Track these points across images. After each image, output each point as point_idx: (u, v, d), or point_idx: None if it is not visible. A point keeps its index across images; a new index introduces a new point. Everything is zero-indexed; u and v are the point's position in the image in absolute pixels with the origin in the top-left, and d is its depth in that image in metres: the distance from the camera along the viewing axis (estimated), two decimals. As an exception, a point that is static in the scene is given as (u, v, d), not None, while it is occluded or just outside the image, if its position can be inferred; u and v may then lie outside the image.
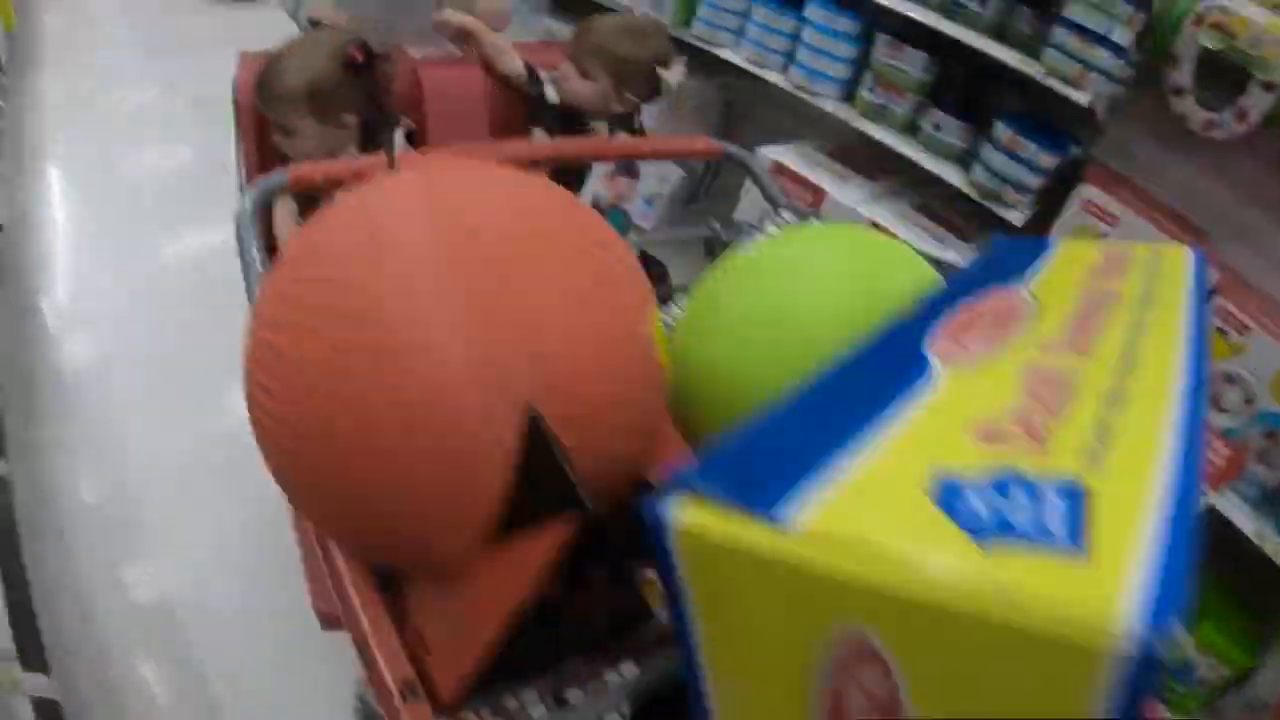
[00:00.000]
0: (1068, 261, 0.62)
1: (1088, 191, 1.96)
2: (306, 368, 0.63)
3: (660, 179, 1.41)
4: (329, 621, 1.01)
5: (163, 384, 2.33)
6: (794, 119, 2.47)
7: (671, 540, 0.37)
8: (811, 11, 2.22)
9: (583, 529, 0.64)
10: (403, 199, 0.69)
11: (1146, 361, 0.45)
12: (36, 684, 1.47)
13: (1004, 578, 0.30)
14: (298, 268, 0.69)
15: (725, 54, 2.40)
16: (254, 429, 0.71)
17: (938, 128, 2.13)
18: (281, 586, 1.85)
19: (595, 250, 0.71)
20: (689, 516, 0.37)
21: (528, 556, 0.63)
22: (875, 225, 2.08)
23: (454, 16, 1.68)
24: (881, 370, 0.48)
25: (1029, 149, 1.98)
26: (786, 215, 0.88)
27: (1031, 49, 1.97)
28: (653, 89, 1.58)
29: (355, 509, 0.66)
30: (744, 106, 2.67)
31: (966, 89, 2.18)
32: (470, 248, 0.66)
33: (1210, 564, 1.68)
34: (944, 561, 0.31)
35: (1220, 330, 1.71)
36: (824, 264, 0.74)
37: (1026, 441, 0.38)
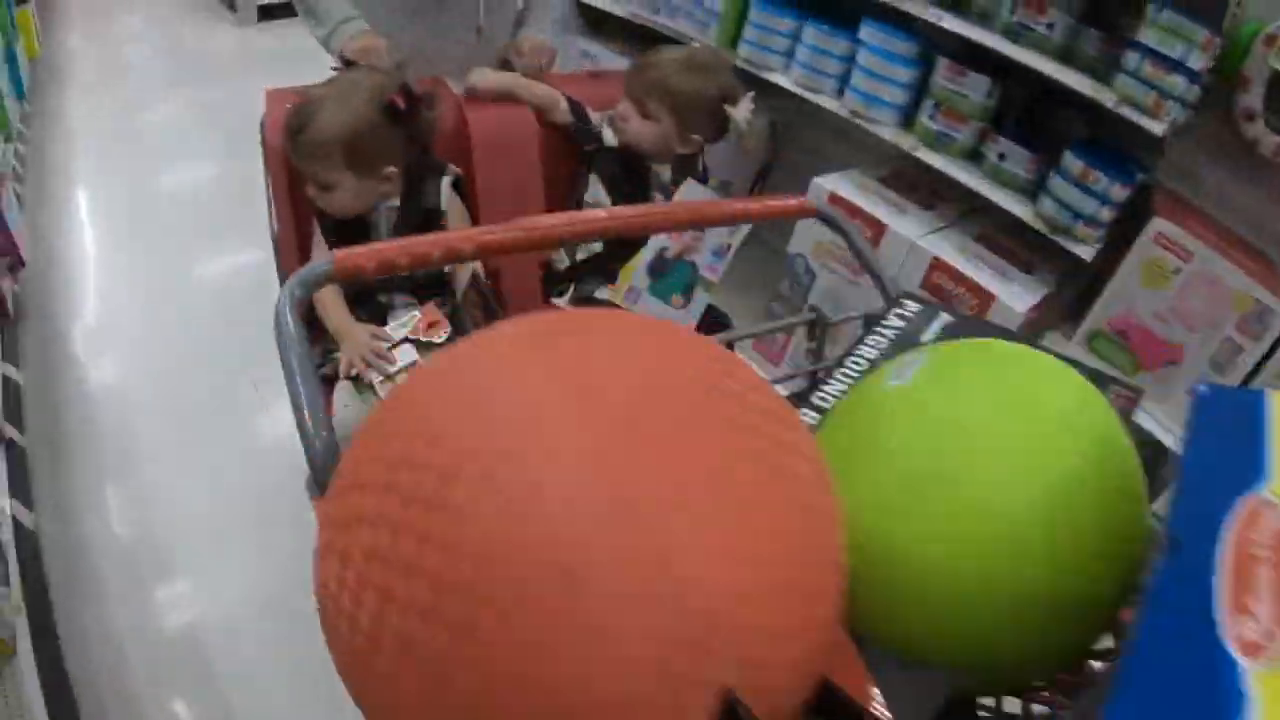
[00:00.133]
0: None
1: (1160, 225, 1.85)
2: (417, 646, 0.44)
3: (729, 229, 1.31)
4: None
5: (189, 409, 2.28)
6: (845, 144, 2.37)
7: None
8: (866, 33, 2.12)
9: None
10: (542, 404, 0.47)
11: None
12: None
13: None
14: (396, 497, 0.46)
15: (774, 78, 2.30)
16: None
17: (1002, 157, 2.02)
18: (311, 623, 1.79)
19: (782, 456, 0.51)
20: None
21: None
22: (938, 260, 1.99)
23: (484, 80, 1.55)
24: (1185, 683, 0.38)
25: (1101, 181, 1.87)
26: (910, 306, 0.78)
27: (1101, 74, 1.87)
28: (719, 128, 1.48)
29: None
30: (792, 131, 2.57)
31: (1030, 114, 2.08)
32: (633, 486, 0.45)
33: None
34: None
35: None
36: (998, 420, 0.59)
37: None
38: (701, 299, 1.46)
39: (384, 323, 1.42)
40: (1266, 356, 1.74)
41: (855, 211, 2.08)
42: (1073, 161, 1.89)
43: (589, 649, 0.42)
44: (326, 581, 0.49)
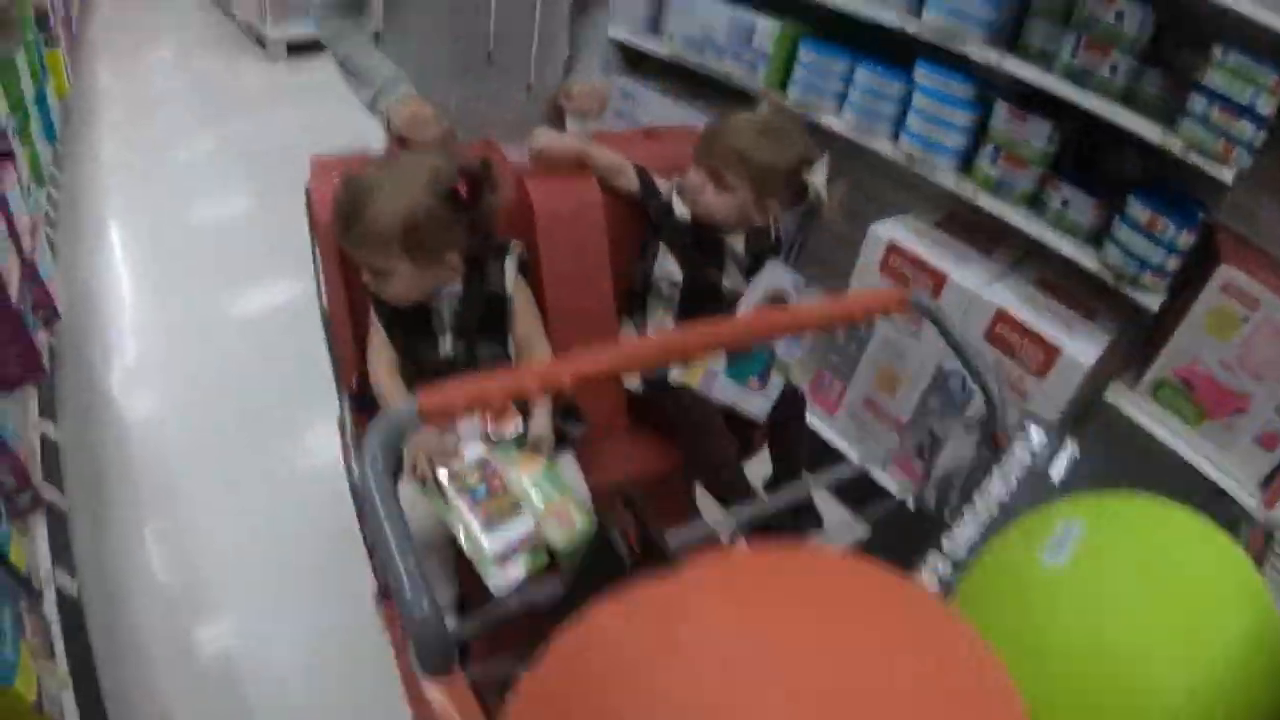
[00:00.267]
0: None
1: (1228, 273, 1.79)
2: None
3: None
4: None
5: (228, 447, 2.26)
6: (899, 187, 2.32)
7: None
8: (921, 75, 2.09)
9: None
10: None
11: None
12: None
13: None
14: None
15: (826, 120, 2.26)
16: None
17: (1065, 204, 1.97)
18: (346, 651, 1.78)
19: None
20: None
21: None
22: (1002, 313, 1.93)
23: (550, 144, 1.46)
24: None
25: (1168, 230, 1.82)
26: (1035, 437, 0.73)
27: (1165, 117, 1.82)
28: (797, 195, 1.41)
29: None
30: (844, 175, 2.53)
31: (1091, 158, 2.03)
32: None
33: None
34: None
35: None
36: (1160, 609, 0.59)
37: None
38: (777, 382, 1.41)
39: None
40: (1333, 406, 1.69)
41: (916, 262, 2.03)
42: (1139, 209, 1.84)
43: None
44: None
